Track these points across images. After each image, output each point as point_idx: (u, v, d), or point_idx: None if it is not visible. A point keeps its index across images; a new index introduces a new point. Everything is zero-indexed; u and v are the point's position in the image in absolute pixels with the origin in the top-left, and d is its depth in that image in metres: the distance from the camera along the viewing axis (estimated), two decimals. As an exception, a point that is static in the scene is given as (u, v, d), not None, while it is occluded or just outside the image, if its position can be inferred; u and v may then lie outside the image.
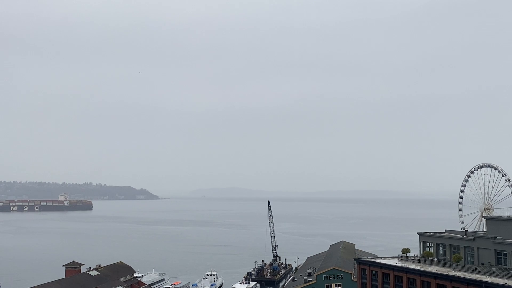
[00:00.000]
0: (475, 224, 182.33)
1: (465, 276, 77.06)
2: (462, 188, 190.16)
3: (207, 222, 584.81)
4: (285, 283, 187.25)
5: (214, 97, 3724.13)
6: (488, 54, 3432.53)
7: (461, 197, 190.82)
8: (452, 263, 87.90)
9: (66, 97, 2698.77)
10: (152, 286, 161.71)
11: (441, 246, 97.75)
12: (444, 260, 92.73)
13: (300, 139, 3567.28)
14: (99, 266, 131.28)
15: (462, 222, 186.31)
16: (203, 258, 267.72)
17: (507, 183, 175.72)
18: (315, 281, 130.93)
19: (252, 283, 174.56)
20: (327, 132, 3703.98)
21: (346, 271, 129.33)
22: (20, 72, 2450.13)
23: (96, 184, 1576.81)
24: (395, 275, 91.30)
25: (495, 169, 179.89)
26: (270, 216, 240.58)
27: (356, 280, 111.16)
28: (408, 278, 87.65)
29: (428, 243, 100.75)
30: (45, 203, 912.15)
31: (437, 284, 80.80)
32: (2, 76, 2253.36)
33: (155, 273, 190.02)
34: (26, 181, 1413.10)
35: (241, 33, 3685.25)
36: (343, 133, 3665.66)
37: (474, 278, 75.68)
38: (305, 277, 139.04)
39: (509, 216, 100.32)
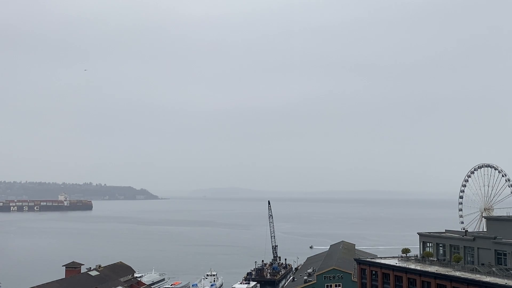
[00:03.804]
0: (475, 224, 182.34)
1: (465, 276, 77.01)
2: (462, 188, 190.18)
3: (207, 222, 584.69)
4: (285, 283, 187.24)
5: (215, 97, 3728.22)
6: (488, 55, 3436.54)
7: (461, 197, 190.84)
8: (452, 263, 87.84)
9: (67, 97, 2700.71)
10: (152, 286, 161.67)
11: (441, 246, 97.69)
12: (444, 260, 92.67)
13: (300, 139, 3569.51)
14: (99, 266, 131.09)
15: (462, 222, 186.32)
16: (203, 258, 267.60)
17: (507, 183, 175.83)
18: (315, 281, 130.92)
19: (252, 283, 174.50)
20: (327, 132, 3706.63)
21: (346, 271, 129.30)
22: (21, 71, 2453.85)
23: (96, 184, 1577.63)
24: (395, 275, 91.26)
25: (495, 169, 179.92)
26: (270, 216, 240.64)
27: (356, 280, 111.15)
28: (408, 278, 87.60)
29: (428, 243, 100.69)
30: (45, 203, 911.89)
31: (437, 284, 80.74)
32: (4, 75, 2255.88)
33: (155, 273, 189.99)
34: (26, 181, 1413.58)
35: (242, 33, 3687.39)
36: (343, 133, 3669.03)
37: (474, 278, 75.63)
38: (305, 277, 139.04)
39: (509, 216, 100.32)
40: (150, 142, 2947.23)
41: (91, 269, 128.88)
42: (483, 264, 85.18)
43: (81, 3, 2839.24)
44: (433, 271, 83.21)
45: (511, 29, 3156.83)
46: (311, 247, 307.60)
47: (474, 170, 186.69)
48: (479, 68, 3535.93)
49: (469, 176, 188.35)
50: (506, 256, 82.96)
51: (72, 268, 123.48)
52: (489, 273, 78.19)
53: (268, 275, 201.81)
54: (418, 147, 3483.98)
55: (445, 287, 79.30)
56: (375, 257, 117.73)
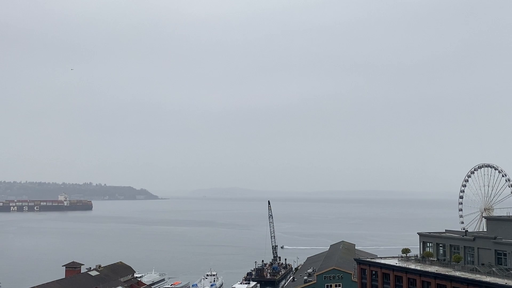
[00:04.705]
0: (475, 224, 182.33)
1: (465, 276, 77.02)
2: (462, 188, 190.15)
3: (207, 222, 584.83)
4: (285, 283, 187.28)
5: (215, 97, 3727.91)
6: (489, 54, 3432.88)
7: (461, 197, 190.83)
8: (452, 263, 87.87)
9: (67, 97, 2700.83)
10: (152, 286, 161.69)
11: (441, 246, 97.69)
12: (444, 260, 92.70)
13: (300, 139, 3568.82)
14: (99, 266, 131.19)
15: (462, 222, 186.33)
16: (203, 258, 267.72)
17: (507, 183, 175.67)
18: (315, 281, 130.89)
19: (252, 283, 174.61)
20: (327, 132, 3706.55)
21: (346, 271, 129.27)
22: (21, 71, 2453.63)
23: (96, 184, 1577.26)
24: (395, 275, 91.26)
25: (495, 169, 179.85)
26: (270, 216, 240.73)
27: (356, 280, 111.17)
28: (408, 278, 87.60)
29: (428, 243, 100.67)
30: (45, 203, 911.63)
31: (437, 284, 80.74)
32: (4, 75, 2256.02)
33: (155, 273, 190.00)
34: (26, 181, 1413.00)
35: (243, 33, 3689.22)
36: (343, 133, 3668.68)
37: (474, 278, 75.65)
38: (305, 277, 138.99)
39: (509, 216, 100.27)
40: (150, 142, 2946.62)
41: (91, 269, 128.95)
42: (483, 264, 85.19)
43: (81, 3, 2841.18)
44: (433, 271, 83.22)
45: (511, 28, 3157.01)
46: (282, 247, 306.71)
47: (474, 170, 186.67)
48: (479, 68, 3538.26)
49: (469, 176, 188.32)
50: (506, 256, 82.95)
51: (72, 268, 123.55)
52: (489, 273, 78.20)
53: (268, 275, 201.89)
54: (418, 147, 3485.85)
55: (445, 287, 79.30)
56: (375, 257, 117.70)
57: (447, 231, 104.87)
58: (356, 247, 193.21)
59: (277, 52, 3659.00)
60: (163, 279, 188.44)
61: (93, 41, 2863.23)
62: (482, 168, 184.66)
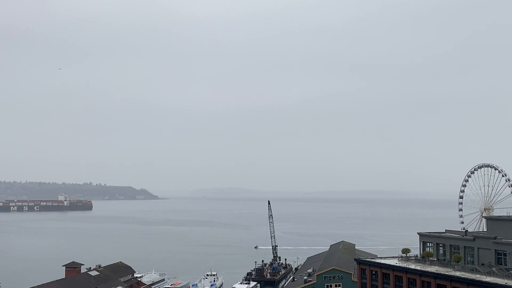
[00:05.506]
0: (475, 224, 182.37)
1: (465, 276, 76.98)
2: (462, 188, 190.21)
3: (207, 222, 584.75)
4: (285, 283, 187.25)
5: (215, 97, 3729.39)
6: (489, 54, 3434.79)
7: (461, 197, 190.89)
8: (452, 263, 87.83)
9: (67, 97, 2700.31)
10: (152, 286, 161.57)
11: (441, 246, 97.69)
12: (444, 260, 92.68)
13: (300, 139, 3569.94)
14: (99, 266, 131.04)
15: (462, 222, 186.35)
16: (203, 258, 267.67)
17: (507, 183, 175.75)
18: (315, 281, 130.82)
19: (252, 283, 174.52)
20: (327, 132, 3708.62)
21: (346, 271, 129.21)
22: (21, 71, 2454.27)
23: (96, 184, 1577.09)
24: (395, 275, 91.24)
25: (495, 169, 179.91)
26: (270, 216, 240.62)
27: (356, 280, 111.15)
28: (408, 278, 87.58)
29: (428, 243, 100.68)
30: (45, 203, 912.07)
31: (437, 284, 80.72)
32: (4, 75, 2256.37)
33: (155, 273, 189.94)
34: (26, 181, 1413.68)
35: (243, 33, 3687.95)
36: (343, 132, 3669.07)
37: (474, 278, 75.62)
38: (305, 277, 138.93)
39: (509, 216, 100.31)
40: (150, 142, 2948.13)
41: (91, 269, 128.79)
42: (483, 264, 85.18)
43: (81, 3, 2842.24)
44: (433, 271, 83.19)
45: (511, 29, 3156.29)
46: (256, 247, 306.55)
47: (474, 170, 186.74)
48: (479, 68, 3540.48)
49: (469, 176, 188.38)
50: (506, 256, 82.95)
51: (72, 268, 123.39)
52: (489, 273, 78.18)
53: (268, 275, 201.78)
54: (418, 147, 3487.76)
55: (445, 287, 79.27)
56: (375, 257, 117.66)
57: (447, 231, 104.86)
58: (356, 247, 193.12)
59: (278, 52, 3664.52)
60: (163, 279, 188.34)
61: (92, 41, 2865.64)
62: (482, 168, 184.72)
